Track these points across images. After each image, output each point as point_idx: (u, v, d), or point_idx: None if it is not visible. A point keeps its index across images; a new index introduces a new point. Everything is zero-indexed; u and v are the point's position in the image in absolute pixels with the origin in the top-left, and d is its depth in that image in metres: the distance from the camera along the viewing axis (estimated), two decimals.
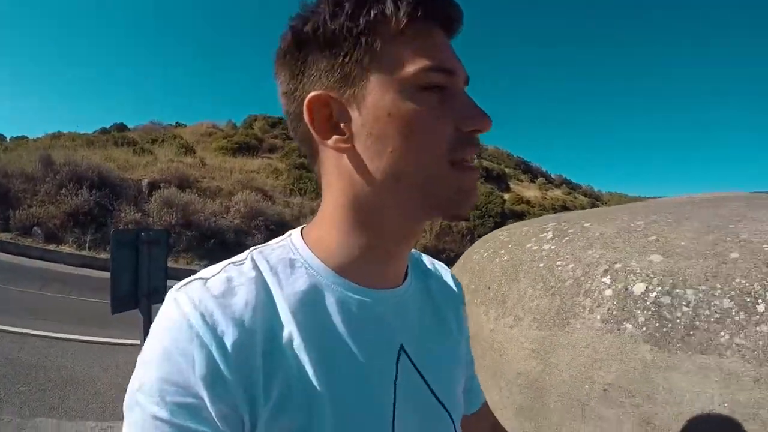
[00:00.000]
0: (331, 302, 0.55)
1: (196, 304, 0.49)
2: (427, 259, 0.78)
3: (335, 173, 0.56)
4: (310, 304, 0.54)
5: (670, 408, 1.38)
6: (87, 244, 11.89)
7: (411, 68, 0.51)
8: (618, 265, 1.51)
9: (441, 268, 0.78)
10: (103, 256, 11.10)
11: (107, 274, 3.96)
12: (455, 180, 0.53)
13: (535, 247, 1.66)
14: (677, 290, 1.43)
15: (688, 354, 1.36)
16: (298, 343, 0.51)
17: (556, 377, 1.48)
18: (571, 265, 1.55)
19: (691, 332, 1.37)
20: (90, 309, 7.02)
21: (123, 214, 13.17)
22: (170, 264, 5.11)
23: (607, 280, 1.49)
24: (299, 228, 0.63)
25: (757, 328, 1.34)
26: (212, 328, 0.48)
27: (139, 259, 3.71)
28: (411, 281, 0.65)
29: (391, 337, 0.59)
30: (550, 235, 1.69)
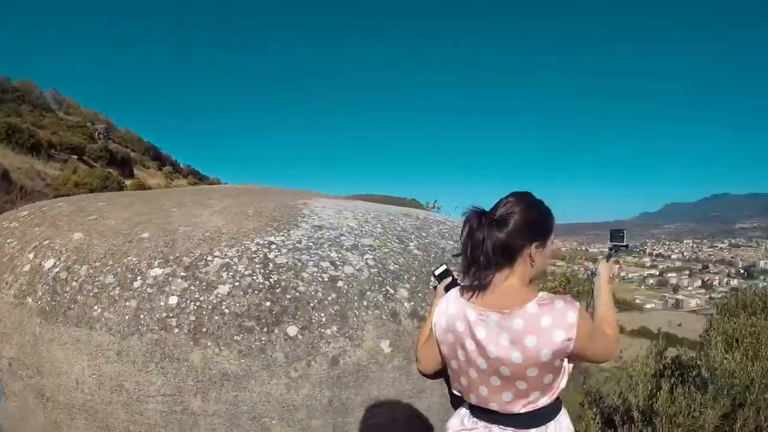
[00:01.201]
0: None
1: None
2: None
3: None
4: None
5: (54, 379, 1.42)
6: None
7: None
8: (47, 242, 1.53)
9: None
10: None
11: None
12: None
13: (6, 224, 1.67)
14: (76, 266, 1.46)
15: (66, 327, 1.40)
16: None
17: None
18: (15, 242, 1.57)
19: (72, 306, 1.41)
20: None
21: None
22: None
23: (31, 255, 1.52)
24: None
25: (128, 303, 1.39)
26: None
27: None
28: None
29: None
30: (25, 213, 1.70)
